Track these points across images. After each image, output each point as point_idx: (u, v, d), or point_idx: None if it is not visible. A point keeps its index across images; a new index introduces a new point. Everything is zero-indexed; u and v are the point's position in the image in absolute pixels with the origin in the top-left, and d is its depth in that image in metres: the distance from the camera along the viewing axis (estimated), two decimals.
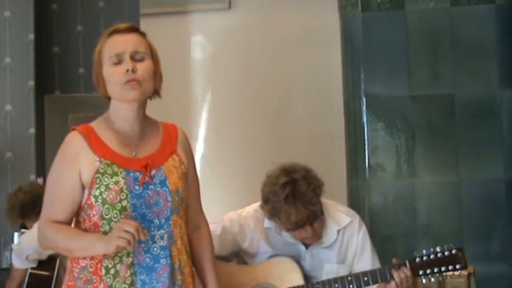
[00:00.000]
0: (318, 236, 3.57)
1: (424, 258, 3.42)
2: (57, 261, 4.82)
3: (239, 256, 3.73)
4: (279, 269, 3.60)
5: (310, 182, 3.51)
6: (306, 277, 3.59)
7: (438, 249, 3.43)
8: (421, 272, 3.42)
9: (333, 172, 5.85)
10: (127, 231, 2.64)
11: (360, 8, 5.84)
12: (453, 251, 3.44)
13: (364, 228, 3.71)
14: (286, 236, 3.61)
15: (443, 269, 3.43)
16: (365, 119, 5.81)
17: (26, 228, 5.04)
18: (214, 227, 3.64)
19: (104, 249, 2.72)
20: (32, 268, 4.86)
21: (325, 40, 6.38)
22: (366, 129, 5.81)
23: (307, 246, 3.63)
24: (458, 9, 5.78)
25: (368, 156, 5.79)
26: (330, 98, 6.35)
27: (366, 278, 3.45)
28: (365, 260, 3.66)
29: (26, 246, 4.81)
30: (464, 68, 5.75)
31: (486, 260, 5.52)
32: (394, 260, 3.49)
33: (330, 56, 6.31)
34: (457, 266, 3.44)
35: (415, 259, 3.43)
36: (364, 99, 5.81)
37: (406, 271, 3.42)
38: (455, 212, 5.70)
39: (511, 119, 5.70)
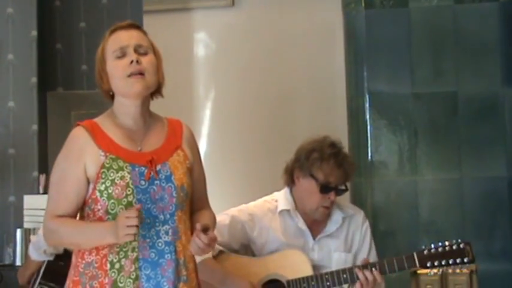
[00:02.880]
0: (327, 213, 3.73)
1: (432, 250, 3.50)
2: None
3: (248, 249, 3.78)
4: (289, 261, 3.67)
5: (353, 161, 3.81)
6: (316, 268, 3.66)
7: (446, 242, 3.50)
8: (428, 264, 3.51)
9: None
10: (131, 226, 2.66)
11: (363, 5, 5.84)
12: (461, 245, 3.53)
13: (368, 223, 3.89)
14: (300, 222, 3.72)
15: (451, 261, 3.51)
16: (368, 116, 5.81)
17: None
18: (223, 218, 3.75)
19: (115, 241, 2.74)
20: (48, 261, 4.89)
21: (328, 37, 6.37)
22: (368, 127, 5.81)
23: (314, 236, 3.74)
24: (462, 6, 5.77)
25: (371, 154, 5.79)
26: (332, 95, 6.33)
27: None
28: (363, 253, 3.80)
29: (43, 243, 4.84)
30: (468, 66, 5.74)
31: (488, 257, 5.50)
32: (362, 261, 3.63)
33: (333, 53, 6.29)
34: (465, 260, 3.54)
35: (423, 251, 3.51)
36: (367, 96, 5.81)
37: (375, 273, 3.52)
38: (458, 209, 5.70)
39: None
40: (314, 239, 3.75)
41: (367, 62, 5.83)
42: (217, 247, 3.70)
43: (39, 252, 4.83)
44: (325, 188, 3.66)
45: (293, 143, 6.52)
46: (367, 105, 5.81)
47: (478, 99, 5.73)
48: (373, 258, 3.76)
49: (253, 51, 6.54)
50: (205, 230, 2.81)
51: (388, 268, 3.54)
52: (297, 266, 3.64)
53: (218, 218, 3.66)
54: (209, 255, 3.63)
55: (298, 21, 6.51)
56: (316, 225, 3.76)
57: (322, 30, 6.43)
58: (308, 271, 3.61)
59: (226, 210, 3.85)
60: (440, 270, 3.67)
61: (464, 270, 4.64)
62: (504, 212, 5.65)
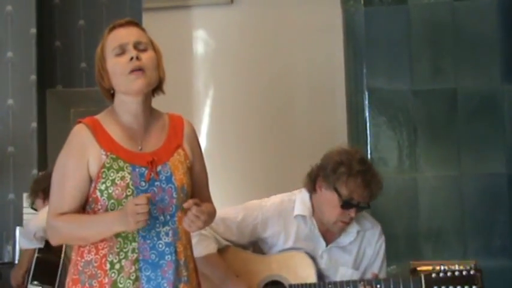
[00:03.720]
0: (344, 228, 3.63)
1: (441, 274, 3.37)
2: (64, 245, 4.85)
3: (256, 245, 3.74)
4: (293, 263, 3.62)
5: (381, 179, 3.61)
6: (320, 276, 3.62)
7: (456, 266, 3.39)
8: None
9: None
10: (141, 213, 2.67)
11: (362, 2, 5.84)
12: (471, 272, 3.38)
13: (383, 238, 3.76)
14: (315, 229, 3.64)
15: (458, 287, 3.38)
16: (367, 113, 5.81)
17: (36, 210, 5.11)
18: (235, 213, 3.70)
19: (125, 229, 2.75)
20: (39, 253, 4.90)
21: (327, 35, 6.38)
22: (368, 124, 5.81)
23: (327, 243, 3.66)
24: (460, 3, 5.77)
25: (370, 151, 5.79)
26: (332, 92, 6.35)
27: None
28: (374, 269, 3.68)
29: (33, 225, 4.88)
30: (467, 62, 5.74)
31: (488, 254, 5.53)
32: (371, 273, 3.56)
33: (332, 51, 6.31)
34: (473, 287, 3.37)
35: (431, 274, 3.39)
36: (366, 93, 5.81)
37: None
38: (457, 206, 5.70)
39: None
40: (325, 246, 3.66)
41: (367, 59, 5.83)
42: (224, 242, 3.68)
43: (29, 237, 4.86)
44: (347, 204, 3.53)
45: (293, 139, 6.57)
46: (366, 102, 5.81)
47: (477, 95, 5.73)
48: (382, 275, 3.70)
49: (252, 49, 6.56)
50: (196, 204, 2.80)
51: None
52: (300, 270, 3.60)
53: (231, 211, 3.68)
54: (214, 249, 3.61)
55: (297, 18, 6.53)
56: (330, 233, 3.67)
57: (322, 27, 6.45)
58: (311, 276, 3.58)
59: (242, 204, 3.78)
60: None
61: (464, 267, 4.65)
62: (503, 209, 5.66)
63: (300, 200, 3.71)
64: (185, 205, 2.78)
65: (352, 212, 3.54)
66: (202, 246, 3.57)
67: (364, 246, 3.71)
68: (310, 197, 3.68)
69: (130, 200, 2.72)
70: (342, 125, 6.07)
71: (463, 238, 5.65)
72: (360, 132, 5.85)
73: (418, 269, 4.55)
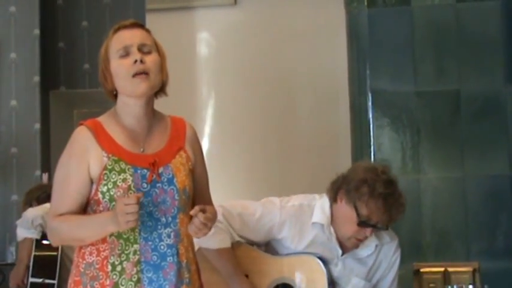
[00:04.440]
0: (357, 245, 3.58)
1: None
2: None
3: (269, 244, 3.71)
4: (305, 268, 3.59)
5: (404, 202, 3.53)
6: (332, 283, 3.59)
7: (470, 287, 3.44)
8: None
9: (338, 167, 5.76)
10: (131, 213, 2.66)
11: (365, 4, 5.85)
12: None
13: (399, 252, 3.72)
14: (332, 237, 3.59)
15: None
16: (371, 115, 5.82)
17: None
18: (254, 209, 3.66)
19: (117, 229, 2.75)
20: (36, 249, 4.91)
21: (331, 36, 6.40)
22: (371, 125, 5.82)
23: (343, 252, 3.62)
24: (464, 5, 5.79)
25: (373, 152, 5.80)
26: (335, 93, 6.37)
27: None
28: (387, 281, 3.69)
29: (30, 212, 4.92)
30: (470, 64, 5.76)
31: (491, 255, 5.53)
32: None
33: (335, 52, 6.32)
34: None
35: None
36: (370, 94, 5.82)
37: None
38: (461, 207, 5.71)
39: None
40: (341, 255, 3.62)
41: (370, 61, 5.85)
42: (237, 238, 3.65)
43: (27, 226, 4.89)
44: (364, 224, 3.48)
45: (296, 140, 6.58)
46: (369, 103, 5.82)
47: (480, 97, 5.75)
48: (392, 285, 3.70)
49: (255, 50, 6.57)
50: (203, 211, 2.79)
51: None
52: (312, 275, 3.57)
53: (250, 206, 3.65)
54: (228, 244, 3.60)
55: (300, 19, 6.54)
56: (353, 243, 3.62)
57: (325, 28, 6.46)
58: (322, 283, 3.54)
59: (261, 200, 3.73)
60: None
61: (467, 269, 4.65)
62: (506, 210, 5.67)
63: (319, 206, 3.65)
64: (192, 212, 2.78)
65: (368, 232, 3.49)
66: (217, 239, 3.56)
67: (380, 259, 3.68)
68: (331, 205, 3.62)
69: (120, 200, 2.71)
70: (346, 126, 6.08)
71: (466, 239, 5.66)
72: (363, 133, 5.86)
73: (421, 270, 4.55)
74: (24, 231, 4.98)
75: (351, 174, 3.54)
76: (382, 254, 3.67)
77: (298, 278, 3.60)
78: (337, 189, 3.56)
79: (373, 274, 3.68)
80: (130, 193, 2.77)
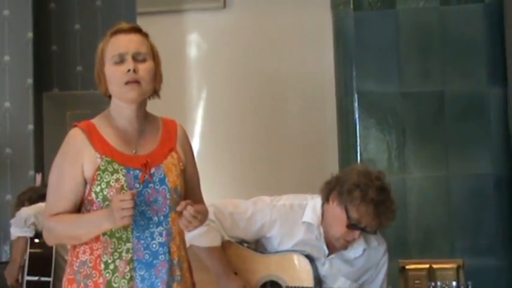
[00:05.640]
0: (346, 246, 3.61)
1: None
2: None
3: (259, 243, 3.74)
4: (292, 265, 3.62)
5: (395, 209, 3.53)
6: (318, 281, 3.61)
7: (454, 284, 3.45)
8: None
9: (325, 167, 5.88)
10: (126, 208, 2.71)
11: (351, 6, 5.88)
12: None
13: (387, 257, 3.74)
14: (321, 237, 3.62)
15: None
16: (357, 116, 5.85)
17: None
18: (245, 208, 3.69)
19: (112, 226, 2.79)
20: (31, 247, 4.96)
21: (318, 38, 6.43)
22: (357, 125, 5.85)
23: (330, 252, 3.65)
24: (448, 8, 5.84)
25: (360, 152, 5.83)
26: (322, 95, 6.39)
27: None
28: (375, 285, 3.71)
29: (24, 211, 4.96)
30: (454, 66, 5.81)
31: (475, 253, 5.57)
32: None
33: (322, 54, 6.35)
34: None
35: None
36: (356, 96, 5.85)
37: None
38: (445, 206, 5.75)
39: (499, 115, 5.75)
40: (328, 255, 3.65)
41: (356, 62, 5.88)
42: (227, 238, 3.68)
43: (21, 225, 4.94)
44: (353, 226, 3.49)
45: (284, 141, 6.61)
46: (356, 104, 5.86)
47: (464, 98, 5.80)
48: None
49: (244, 52, 6.60)
50: (190, 205, 2.82)
51: None
52: (298, 272, 3.59)
53: (241, 205, 3.69)
54: (218, 243, 3.63)
55: (288, 22, 6.56)
56: (342, 244, 3.64)
57: (312, 31, 6.49)
58: (309, 280, 3.57)
59: (253, 198, 3.76)
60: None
61: (452, 265, 4.73)
62: (490, 209, 5.72)
63: (311, 206, 3.67)
64: (178, 208, 2.81)
65: (356, 234, 3.52)
66: (208, 238, 3.59)
67: (367, 263, 3.69)
68: (322, 205, 3.63)
69: (115, 197, 2.76)
70: (332, 127, 6.10)
71: (450, 237, 5.71)
72: (349, 133, 5.90)
73: (407, 267, 4.64)
74: (18, 230, 5.01)
75: (345, 177, 3.55)
76: (370, 258, 3.68)
77: (285, 275, 3.63)
78: (330, 190, 3.57)
79: (360, 276, 3.70)
80: (124, 192, 2.83)
